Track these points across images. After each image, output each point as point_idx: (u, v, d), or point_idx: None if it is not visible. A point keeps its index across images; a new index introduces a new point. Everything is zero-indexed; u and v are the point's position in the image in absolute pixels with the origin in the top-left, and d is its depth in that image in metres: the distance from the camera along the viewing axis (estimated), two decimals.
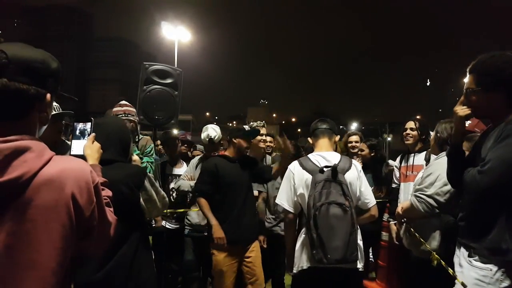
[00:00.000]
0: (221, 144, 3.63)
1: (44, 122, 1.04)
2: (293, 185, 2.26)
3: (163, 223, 3.68)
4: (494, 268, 1.51)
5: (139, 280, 1.82)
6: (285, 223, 2.36)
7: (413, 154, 3.19)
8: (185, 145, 4.50)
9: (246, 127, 3.17)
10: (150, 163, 3.18)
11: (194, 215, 3.41)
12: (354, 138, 4.10)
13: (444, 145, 2.51)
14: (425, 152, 3.01)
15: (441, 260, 2.10)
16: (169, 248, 3.75)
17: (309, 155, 2.35)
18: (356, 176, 2.27)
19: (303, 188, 2.21)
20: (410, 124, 3.22)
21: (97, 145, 1.57)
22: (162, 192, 2.06)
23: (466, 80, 1.71)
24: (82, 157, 1.47)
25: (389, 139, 39.49)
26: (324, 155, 2.31)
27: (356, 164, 2.34)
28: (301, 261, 2.20)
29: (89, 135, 1.63)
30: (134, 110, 3.13)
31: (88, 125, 1.67)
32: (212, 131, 3.35)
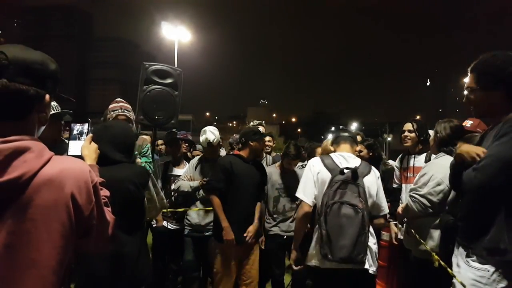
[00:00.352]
0: (220, 146, 3.63)
1: (43, 122, 1.05)
2: (314, 180, 2.30)
3: (164, 223, 3.68)
4: (491, 269, 1.51)
5: (142, 275, 1.96)
6: (299, 215, 2.34)
7: (413, 156, 3.18)
8: (186, 144, 4.51)
9: (261, 129, 3.22)
10: (148, 163, 3.17)
11: (194, 215, 3.41)
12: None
13: (442, 145, 2.52)
14: (425, 154, 2.99)
15: (440, 261, 2.10)
16: (169, 248, 3.76)
17: (331, 154, 2.41)
18: (374, 182, 2.32)
19: (321, 185, 2.27)
20: (408, 126, 3.21)
21: (94, 145, 1.59)
22: (162, 194, 2.16)
23: (467, 79, 1.72)
24: (80, 157, 1.48)
25: (389, 139, 39.48)
26: (345, 156, 2.37)
27: (375, 170, 2.39)
28: (314, 257, 2.26)
29: (86, 135, 1.64)
30: (130, 107, 3.10)
31: (86, 126, 1.69)
32: (210, 134, 3.34)
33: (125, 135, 2.02)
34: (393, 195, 3.42)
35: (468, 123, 2.29)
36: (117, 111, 2.80)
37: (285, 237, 3.32)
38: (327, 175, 2.25)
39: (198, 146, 4.15)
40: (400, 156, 3.43)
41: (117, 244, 1.82)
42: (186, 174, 3.53)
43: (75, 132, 1.69)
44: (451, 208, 2.24)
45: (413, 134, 3.15)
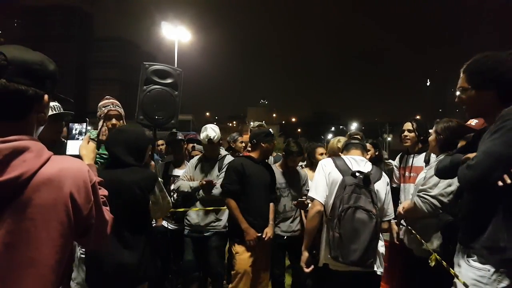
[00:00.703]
0: (220, 144, 3.62)
1: (41, 122, 1.05)
2: (326, 180, 2.32)
3: (164, 223, 3.68)
4: (492, 269, 1.51)
5: (146, 273, 2.05)
6: (312, 213, 2.33)
7: (412, 155, 3.18)
8: (194, 144, 4.48)
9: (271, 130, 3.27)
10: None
11: (193, 216, 3.41)
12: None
13: (445, 147, 2.52)
14: (424, 153, 3.00)
15: (442, 261, 2.10)
16: (169, 248, 3.76)
17: (343, 156, 2.43)
18: (384, 187, 2.37)
19: (332, 185, 2.29)
20: (407, 125, 3.21)
21: (92, 145, 1.60)
22: (169, 198, 2.22)
23: (459, 79, 1.74)
24: (78, 157, 1.48)
25: (389, 139, 39.48)
26: (357, 159, 2.39)
27: (385, 176, 2.43)
28: (324, 257, 2.29)
29: (84, 135, 1.65)
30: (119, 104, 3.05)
31: (84, 125, 1.69)
32: (211, 131, 3.34)
33: (137, 139, 2.11)
34: (392, 194, 3.42)
35: (473, 121, 2.29)
36: (109, 106, 2.76)
37: (285, 237, 3.31)
38: (338, 176, 2.27)
39: (198, 146, 4.15)
40: (399, 155, 3.43)
41: (121, 242, 1.94)
42: (185, 174, 3.53)
43: (73, 131, 1.70)
44: (451, 208, 2.24)
45: (412, 134, 3.15)
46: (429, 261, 2.24)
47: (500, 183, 1.42)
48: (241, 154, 3.42)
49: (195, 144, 4.31)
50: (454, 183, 2.27)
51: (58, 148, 2.00)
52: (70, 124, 1.71)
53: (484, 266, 1.53)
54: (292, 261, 3.56)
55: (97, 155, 2.60)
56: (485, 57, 1.65)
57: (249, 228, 2.86)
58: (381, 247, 2.33)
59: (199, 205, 3.41)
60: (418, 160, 3.09)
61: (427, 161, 2.88)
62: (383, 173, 2.43)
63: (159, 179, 2.35)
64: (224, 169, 3.37)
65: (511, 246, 1.46)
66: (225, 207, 3.36)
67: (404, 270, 3.01)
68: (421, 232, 2.51)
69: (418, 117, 3.58)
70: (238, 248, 2.93)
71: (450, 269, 1.78)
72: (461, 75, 1.71)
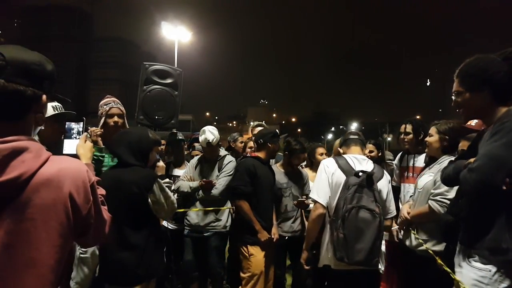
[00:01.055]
0: (219, 146, 3.62)
1: (39, 123, 1.06)
2: (329, 180, 2.29)
3: (164, 223, 3.68)
4: (493, 269, 1.51)
5: (150, 268, 2.11)
6: (314, 216, 2.32)
7: (413, 155, 3.18)
8: (193, 144, 4.48)
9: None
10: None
11: (193, 216, 3.40)
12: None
13: (448, 149, 2.53)
14: (425, 154, 2.98)
15: (444, 266, 2.10)
16: (169, 248, 3.75)
17: (344, 156, 2.41)
18: (386, 185, 2.37)
19: (336, 186, 2.27)
20: (402, 128, 3.20)
21: (89, 144, 1.60)
22: (172, 198, 2.22)
23: (454, 84, 1.76)
24: (75, 156, 1.49)
25: (389, 139, 39.48)
26: (359, 158, 2.38)
27: (387, 174, 2.43)
28: (327, 258, 2.27)
29: (81, 134, 1.65)
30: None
31: (81, 124, 1.69)
32: (209, 134, 3.32)
33: (140, 141, 2.20)
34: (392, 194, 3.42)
35: (473, 121, 2.29)
36: (110, 104, 2.78)
37: (286, 237, 3.31)
38: (341, 177, 2.26)
39: (197, 146, 4.14)
40: (399, 155, 3.42)
41: (121, 240, 2.02)
42: (185, 175, 3.52)
43: (71, 131, 1.70)
44: (452, 208, 2.23)
45: (410, 136, 3.14)
46: (438, 266, 2.24)
47: (503, 188, 1.43)
48: (248, 155, 3.39)
49: (194, 144, 4.30)
50: None
51: (59, 148, 2.01)
52: (67, 124, 1.71)
53: (486, 267, 1.53)
54: (292, 261, 3.56)
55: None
56: (476, 59, 1.68)
57: (262, 229, 2.86)
58: (383, 245, 2.37)
59: (199, 205, 3.41)
60: (419, 160, 3.08)
61: (427, 163, 2.86)
62: (385, 172, 2.43)
63: (165, 180, 2.37)
64: (224, 169, 3.37)
65: None
66: (225, 207, 3.36)
67: (404, 270, 3.01)
68: (428, 234, 2.50)
69: (418, 117, 3.57)
70: (252, 250, 2.90)
71: (453, 275, 1.78)
72: (455, 79, 1.73)
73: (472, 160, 1.60)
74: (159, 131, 3.87)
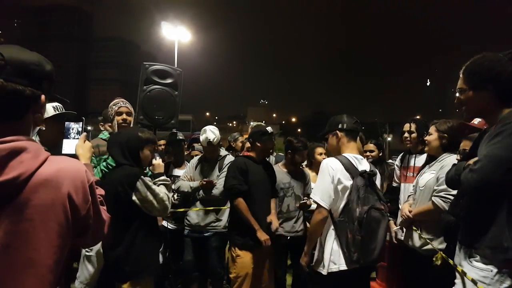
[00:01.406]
0: (220, 146, 3.62)
1: (38, 123, 1.06)
2: (334, 183, 2.20)
3: (164, 223, 3.68)
4: (495, 269, 1.50)
5: (138, 265, 2.13)
6: (317, 220, 2.24)
7: (414, 155, 3.18)
8: (193, 144, 4.48)
9: (269, 129, 3.16)
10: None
11: (193, 216, 3.40)
12: (371, 146, 4.09)
13: (448, 147, 2.53)
14: (426, 154, 2.98)
15: (449, 259, 2.10)
16: (169, 248, 3.75)
17: (345, 155, 2.31)
18: (379, 183, 2.40)
19: (342, 188, 2.20)
20: (406, 127, 3.20)
21: (88, 144, 1.60)
22: (161, 195, 2.19)
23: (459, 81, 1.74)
24: (74, 156, 1.48)
25: (389, 139, 39.45)
26: (358, 158, 2.34)
27: (376, 171, 2.42)
28: (338, 262, 2.19)
29: (80, 134, 1.65)
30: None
31: (80, 124, 1.69)
32: (210, 133, 3.33)
33: (128, 140, 2.27)
34: (393, 194, 3.42)
35: (476, 120, 2.29)
36: (119, 103, 3.03)
37: (288, 237, 3.30)
38: (348, 178, 2.20)
39: (197, 146, 4.14)
40: (401, 155, 3.43)
41: (108, 237, 2.02)
42: (186, 174, 3.52)
43: (69, 131, 1.69)
44: (452, 208, 2.24)
45: (414, 135, 3.14)
46: (434, 260, 2.24)
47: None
48: (240, 154, 3.40)
49: (194, 144, 4.30)
50: None
51: (60, 149, 2.01)
52: (66, 123, 1.71)
53: (487, 267, 1.52)
54: (293, 261, 3.56)
55: (104, 164, 2.65)
56: (482, 57, 1.66)
57: (260, 229, 2.81)
58: None
59: (199, 205, 3.41)
60: (420, 160, 3.08)
61: (427, 161, 2.86)
62: (376, 170, 2.43)
63: (160, 177, 2.36)
64: (225, 169, 3.36)
65: None
66: (225, 207, 3.36)
67: (404, 270, 3.01)
68: (430, 232, 2.50)
69: (418, 117, 3.57)
70: (239, 251, 2.89)
71: (458, 266, 1.77)
72: (460, 76, 1.72)
73: (472, 161, 1.60)
74: (159, 131, 3.87)
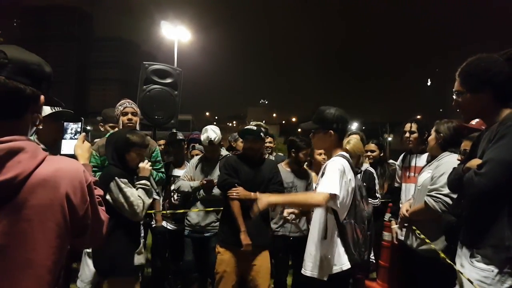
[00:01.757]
0: (221, 145, 3.62)
1: (36, 123, 1.06)
2: (345, 180, 2.09)
3: (164, 223, 3.68)
4: (496, 269, 1.50)
5: (112, 264, 2.18)
6: (318, 199, 2.03)
7: (415, 155, 3.18)
8: (194, 144, 4.48)
9: (253, 127, 3.11)
10: (160, 172, 3.24)
11: (194, 216, 3.40)
12: (372, 146, 4.08)
13: (447, 146, 2.52)
14: (427, 154, 2.98)
15: (447, 259, 2.09)
16: (169, 248, 3.75)
17: (343, 153, 2.24)
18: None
19: (350, 189, 2.12)
20: (408, 127, 3.19)
21: (87, 144, 1.60)
22: (132, 199, 2.22)
23: (455, 83, 1.74)
24: (73, 156, 1.48)
25: (389, 139, 39.45)
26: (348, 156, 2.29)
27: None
28: (342, 262, 2.13)
29: (79, 134, 1.64)
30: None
31: (79, 124, 1.68)
32: (211, 132, 3.33)
33: (116, 142, 2.36)
34: (394, 194, 3.42)
35: (473, 120, 2.29)
36: (125, 104, 3.09)
37: (291, 238, 3.29)
38: (352, 178, 2.15)
39: (198, 146, 4.14)
40: (402, 155, 3.43)
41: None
42: (186, 174, 3.52)
43: (68, 131, 1.69)
44: (453, 208, 2.23)
45: (415, 135, 3.14)
46: (439, 260, 2.24)
47: None
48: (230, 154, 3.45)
49: (195, 144, 4.30)
50: None
51: (59, 148, 2.01)
52: (65, 124, 1.70)
53: (488, 267, 1.52)
54: (294, 262, 3.55)
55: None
56: (477, 59, 1.66)
57: (245, 232, 2.76)
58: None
59: (199, 205, 3.40)
60: (421, 160, 3.08)
61: (429, 162, 2.86)
62: None
63: (141, 181, 2.35)
64: None
65: None
66: None
67: (404, 270, 3.01)
68: (425, 232, 2.50)
69: (418, 117, 3.57)
70: (220, 249, 2.91)
71: (455, 266, 1.77)
72: (457, 78, 1.72)
73: (474, 163, 1.59)
74: (159, 131, 3.87)
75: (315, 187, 2.33)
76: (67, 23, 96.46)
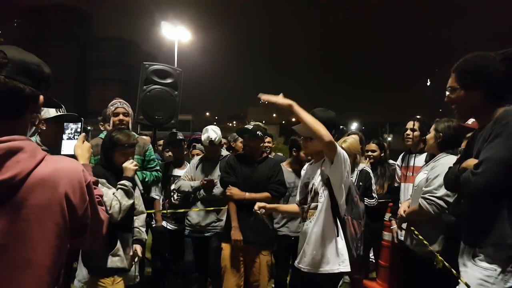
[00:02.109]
0: (221, 145, 3.62)
1: (35, 123, 1.06)
2: (347, 172, 2.12)
3: (164, 223, 3.68)
4: (499, 269, 1.50)
5: (86, 264, 2.27)
6: (331, 138, 2.02)
7: (414, 155, 3.18)
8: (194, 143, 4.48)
9: (249, 126, 3.16)
10: (155, 171, 3.19)
11: (194, 216, 3.40)
12: (372, 146, 4.08)
13: (447, 146, 2.52)
14: (426, 153, 2.99)
15: (445, 262, 2.10)
16: (169, 248, 3.75)
17: None
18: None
19: (349, 182, 2.20)
20: (410, 124, 3.20)
21: (87, 144, 1.60)
22: (105, 199, 2.19)
23: (449, 79, 1.73)
24: (73, 157, 1.48)
25: (389, 139, 39.43)
26: None
27: None
28: (345, 262, 2.13)
29: (79, 135, 1.65)
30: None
31: (79, 125, 1.69)
32: (212, 133, 3.33)
33: (103, 141, 2.43)
34: (394, 194, 3.42)
35: (470, 120, 2.28)
36: (116, 104, 3.04)
37: (293, 237, 3.29)
38: (350, 174, 2.21)
39: (198, 146, 4.15)
40: (402, 154, 3.43)
41: None
42: (187, 174, 3.52)
43: (68, 131, 1.69)
44: (453, 208, 2.23)
45: (416, 133, 3.14)
46: (435, 263, 2.23)
47: None
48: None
49: (195, 144, 4.30)
50: None
51: (57, 149, 2.02)
52: (65, 124, 1.71)
53: (491, 266, 1.52)
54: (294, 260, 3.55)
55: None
56: (475, 57, 1.66)
57: (237, 228, 2.83)
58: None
59: (200, 205, 3.40)
60: (420, 160, 3.08)
61: (427, 161, 2.86)
62: None
63: (122, 181, 2.30)
64: None
65: None
66: (226, 207, 3.36)
67: (404, 270, 3.01)
68: (423, 233, 2.50)
69: (418, 116, 3.56)
70: (223, 244, 3.00)
71: (453, 270, 1.78)
72: (452, 74, 1.71)
73: (470, 163, 1.59)
74: (159, 131, 3.88)
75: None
76: (67, 23, 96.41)
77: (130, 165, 2.34)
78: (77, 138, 1.64)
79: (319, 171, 2.22)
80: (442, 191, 2.28)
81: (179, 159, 3.90)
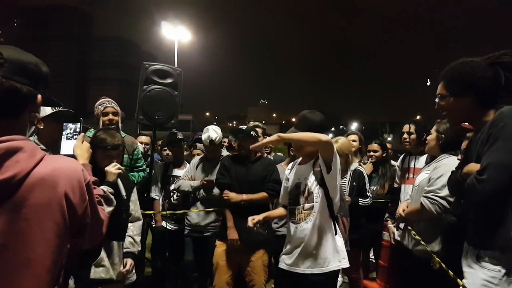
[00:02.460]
0: (222, 145, 3.62)
1: (34, 122, 1.06)
2: (339, 171, 2.19)
3: (163, 223, 3.68)
4: (503, 270, 1.50)
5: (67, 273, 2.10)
6: (326, 138, 2.07)
7: (414, 157, 3.18)
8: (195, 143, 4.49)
9: (244, 127, 3.24)
10: (143, 171, 3.23)
11: (194, 216, 3.40)
12: (374, 146, 4.08)
13: (447, 147, 2.52)
14: (426, 155, 2.98)
15: (442, 263, 2.09)
16: (169, 248, 3.75)
17: None
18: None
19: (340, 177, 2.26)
20: (406, 128, 3.20)
21: (86, 145, 1.60)
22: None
23: (438, 86, 1.74)
24: (73, 156, 1.49)
25: (389, 139, 39.44)
26: None
27: None
28: (346, 259, 2.20)
29: (78, 135, 1.65)
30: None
31: (78, 125, 1.69)
32: (213, 132, 3.34)
33: (91, 143, 2.40)
34: (394, 195, 3.42)
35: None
36: (105, 104, 3.00)
37: None
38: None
39: (199, 146, 4.15)
40: (402, 156, 3.43)
41: None
42: (187, 174, 3.52)
43: (67, 131, 1.70)
44: (454, 208, 2.23)
45: (413, 136, 3.14)
46: (432, 264, 2.23)
47: None
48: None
49: (196, 143, 4.31)
50: None
51: (56, 148, 2.02)
52: (65, 124, 1.71)
53: (496, 267, 1.52)
54: None
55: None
56: (461, 63, 1.67)
57: (233, 227, 2.85)
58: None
59: (199, 205, 3.41)
60: (420, 161, 3.08)
61: (427, 162, 2.86)
62: None
63: (102, 186, 2.24)
64: None
65: None
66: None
67: (403, 270, 3.01)
68: (422, 233, 2.50)
69: (418, 117, 3.58)
70: (217, 242, 3.03)
71: (450, 272, 1.78)
72: (440, 82, 1.73)
73: (472, 168, 1.59)
74: (159, 131, 3.88)
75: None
76: (67, 23, 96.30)
77: (112, 169, 2.08)
78: (76, 138, 1.65)
79: (311, 172, 2.22)
80: (445, 191, 2.27)
81: (178, 159, 3.90)
